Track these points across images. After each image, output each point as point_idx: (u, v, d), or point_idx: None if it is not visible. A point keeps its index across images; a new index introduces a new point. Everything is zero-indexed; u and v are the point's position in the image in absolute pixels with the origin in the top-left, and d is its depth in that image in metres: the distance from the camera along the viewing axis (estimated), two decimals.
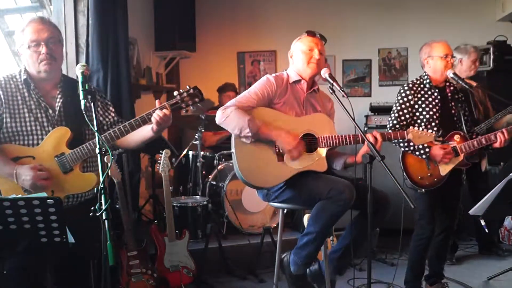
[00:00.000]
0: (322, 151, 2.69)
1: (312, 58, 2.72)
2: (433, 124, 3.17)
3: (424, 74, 3.31)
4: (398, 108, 3.22)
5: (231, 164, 4.40)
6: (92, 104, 2.09)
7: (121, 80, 3.93)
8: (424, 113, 3.20)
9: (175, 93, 2.38)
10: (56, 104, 2.42)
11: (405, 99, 3.21)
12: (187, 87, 2.39)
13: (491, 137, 3.12)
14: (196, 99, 2.38)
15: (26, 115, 2.36)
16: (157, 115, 2.28)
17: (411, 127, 2.76)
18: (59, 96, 2.43)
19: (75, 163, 2.34)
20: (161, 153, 3.73)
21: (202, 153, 4.45)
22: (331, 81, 2.60)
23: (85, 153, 2.34)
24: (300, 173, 2.64)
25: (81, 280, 2.47)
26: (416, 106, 3.21)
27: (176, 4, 5.22)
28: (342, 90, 2.52)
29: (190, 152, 4.69)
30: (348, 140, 2.66)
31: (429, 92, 3.24)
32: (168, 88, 5.60)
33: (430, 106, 3.21)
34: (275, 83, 2.73)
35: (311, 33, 2.76)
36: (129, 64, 4.10)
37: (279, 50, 5.82)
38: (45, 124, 2.38)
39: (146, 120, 2.33)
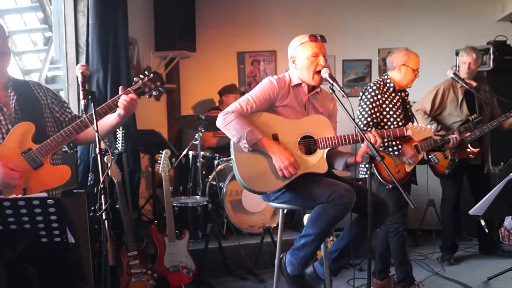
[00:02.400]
0: (322, 153, 2.67)
1: (318, 66, 2.68)
2: (400, 124, 3.27)
3: (386, 77, 3.38)
4: (370, 106, 3.25)
5: (231, 164, 4.39)
6: (92, 104, 2.09)
7: (121, 80, 3.93)
8: (391, 112, 3.28)
9: (136, 79, 2.36)
10: (11, 102, 2.28)
11: (375, 98, 3.27)
12: (146, 72, 2.38)
13: (445, 138, 3.48)
14: (158, 83, 2.37)
15: None
16: (124, 100, 2.27)
17: (410, 123, 2.79)
18: (11, 94, 2.30)
19: (44, 157, 2.23)
20: (161, 153, 3.74)
21: (202, 153, 4.45)
22: (331, 81, 2.60)
23: (54, 146, 2.25)
24: (301, 175, 2.63)
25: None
26: (384, 106, 3.28)
27: (176, 4, 5.21)
28: (342, 90, 2.51)
29: (190, 152, 4.70)
30: (347, 140, 2.66)
31: (393, 95, 3.35)
32: (168, 88, 5.60)
33: (395, 108, 3.31)
34: (278, 86, 2.70)
35: (313, 37, 2.70)
36: (129, 64, 4.10)
37: (279, 50, 5.81)
38: (3, 122, 2.23)
39: (112, 107, 2.29)
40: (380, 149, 3.18)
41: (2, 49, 2.24)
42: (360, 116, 3.27)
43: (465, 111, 3.98)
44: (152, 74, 2.36)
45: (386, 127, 3.26)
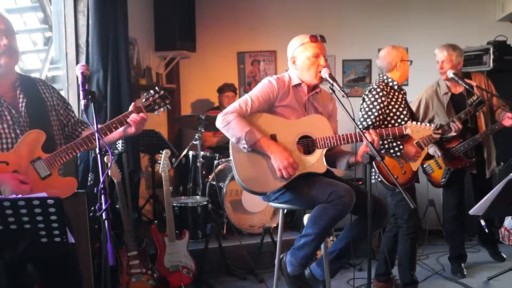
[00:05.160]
0: (321, 153, 2.67)
1: (320, 67, 2.68)
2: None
3: (386, 77, 3.33)
4: (376, 108, 3.18)
5: (231, 164, 4.40)
6: (92, 104, 2.09)
7: (121, 80, 3.92)
8: (398, 113, 3.25)
9: (145, 94, 2.39)
10: (20, 105, 2.21)
11: (379, 100, 3.20)
12: (156, 89, 2.41)
13: (445, 127, 3.38)
14: (167, 101, 2.41)
15: None
16: (134, 119, 2.29)
17: (409, 122, 2.78)
18: (21, 96, 2.23)
19: (53, 167, 2.19)
20: (161, 153, 3.74)
21: (202, 153, 4.45)
22: (331, 81, 2.60)
23: (63, 157, 2.19)
24: (300, 175, 2.63)
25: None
26: (390, 107, 3.24)
27: (176, 4, 5.22)
28: (342, 90, 2.51)
29: (190, 152, 4.70)
30: (346, 140, 2.66)
31: (397, 94, 3.31)
32: (168, 88, 5.60)
33: (401, 107, 3.28)
34: (277, 86, 2.71)
35: (314, 38, 2.70)
36: (129, 64, 4.09)
37: (279, 50, 5.81)
38: (13, 126, 2.17)
39: (122, 122, 2.30)
40: (382, 151, 3.15)
41: (12, 46, 2.19)
42: (365, 117, 3.19)
43: (454, 116, 3.71)
44: (162, 92, 2.39)
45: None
